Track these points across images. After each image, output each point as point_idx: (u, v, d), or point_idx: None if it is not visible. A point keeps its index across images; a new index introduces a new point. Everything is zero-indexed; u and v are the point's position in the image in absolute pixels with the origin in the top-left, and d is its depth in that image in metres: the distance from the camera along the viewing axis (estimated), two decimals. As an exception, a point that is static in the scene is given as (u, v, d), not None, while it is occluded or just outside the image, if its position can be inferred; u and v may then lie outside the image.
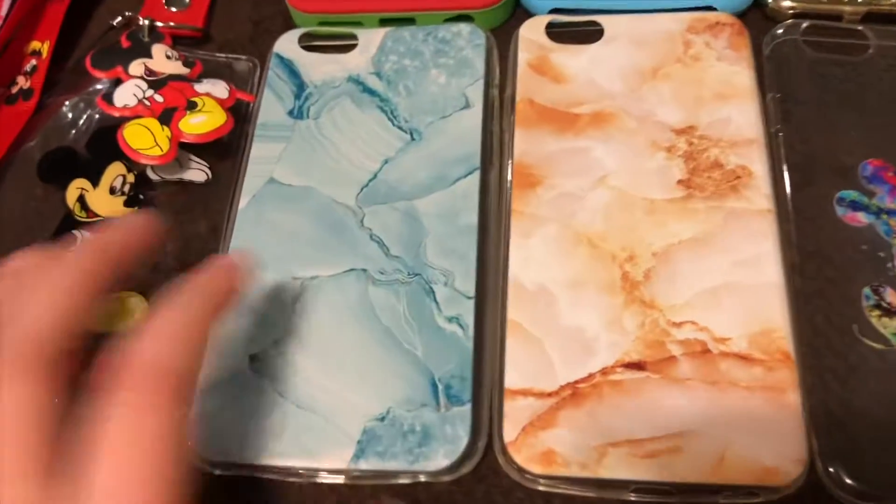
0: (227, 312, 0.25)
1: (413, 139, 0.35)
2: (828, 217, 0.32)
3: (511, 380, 0.29)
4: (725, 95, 0.35)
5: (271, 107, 0.36)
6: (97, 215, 0.34)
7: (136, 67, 0.36)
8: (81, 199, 0.34)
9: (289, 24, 0.40)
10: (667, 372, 0.29)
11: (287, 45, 0.38)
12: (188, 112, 0.35)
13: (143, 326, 0.22)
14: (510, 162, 0.34)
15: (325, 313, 0.31)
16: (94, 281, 0.23)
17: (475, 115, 0.35)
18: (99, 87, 0.37)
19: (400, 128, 0.35)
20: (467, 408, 0.29)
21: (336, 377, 0.30)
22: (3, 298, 0.22)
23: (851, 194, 0.33)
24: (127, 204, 0.35)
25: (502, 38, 0.38)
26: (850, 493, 0.27)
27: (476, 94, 0.35)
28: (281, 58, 0.38)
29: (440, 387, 0.29)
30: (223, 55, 0.38)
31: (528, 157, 0.34)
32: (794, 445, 0.27)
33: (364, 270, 0.32)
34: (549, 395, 0.29)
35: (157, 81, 0.36)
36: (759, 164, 0.33)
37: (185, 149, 0.35)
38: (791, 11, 0.38)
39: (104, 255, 0.24)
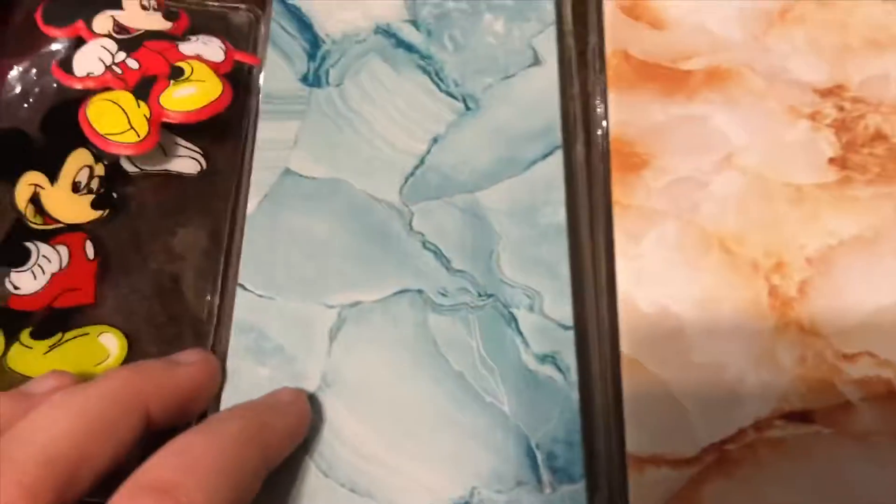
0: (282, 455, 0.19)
1: (468, 108, 0.26)
2: None
3: (634, 442, 0.21)
4: (881, 43, 0.26)
5: (278, 71, 0.27)
6: (57, 221, 0.25)
7: (103, 22, 0.27)
8: (35, 200, 0.25)
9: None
10: (843, 424, 0.21)
11: (294, -14, 0.29)
12: (172, 82, 0.26)
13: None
14: (603, 136, 0.26)
15: (375, 354, 0.23)
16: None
17: (549, 73, 0.26)
18: (54, 48, 0.28)
19: (450, 94, 0.26)
20: (580, 485, 0.21)
21: (396, 446, 0.22)
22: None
23: None
24: (95, 205, 0.26)
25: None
26: None
27: (548, 46, 0.27)
28: (286, 5, 0.28)
29: (540, 456, 0.21)
30: (216, 3, 0.29)
31: (627, 128, 0.26)
32: None
33: (420, 292, 0.24)
34: (688, 461, 0.21)
35: (130, 41, 0.27)
36: (935, 134, 0.25)
37: (171, 131, 0.26)
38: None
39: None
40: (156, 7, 0.27)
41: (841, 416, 0.22)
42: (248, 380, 0.22)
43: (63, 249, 0.25)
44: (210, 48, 0.27)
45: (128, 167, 0.26)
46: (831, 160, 0.25)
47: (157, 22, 0.27)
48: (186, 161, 0.26)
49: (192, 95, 0.25)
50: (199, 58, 0.26)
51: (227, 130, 0.27)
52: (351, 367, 0.23)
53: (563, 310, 0.23)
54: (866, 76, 0.26)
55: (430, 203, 0.25)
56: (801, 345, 0.22)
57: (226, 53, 0.27)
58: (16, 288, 0.24)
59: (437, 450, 0.22)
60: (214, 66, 0.26)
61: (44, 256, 0.24)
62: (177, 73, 0.26)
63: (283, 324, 0.23)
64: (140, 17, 0.26)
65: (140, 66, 0.26)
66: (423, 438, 0.22)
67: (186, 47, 0.27)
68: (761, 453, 0.21)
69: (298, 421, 0.21)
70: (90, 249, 0.25)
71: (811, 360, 0.22)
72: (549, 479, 0.21)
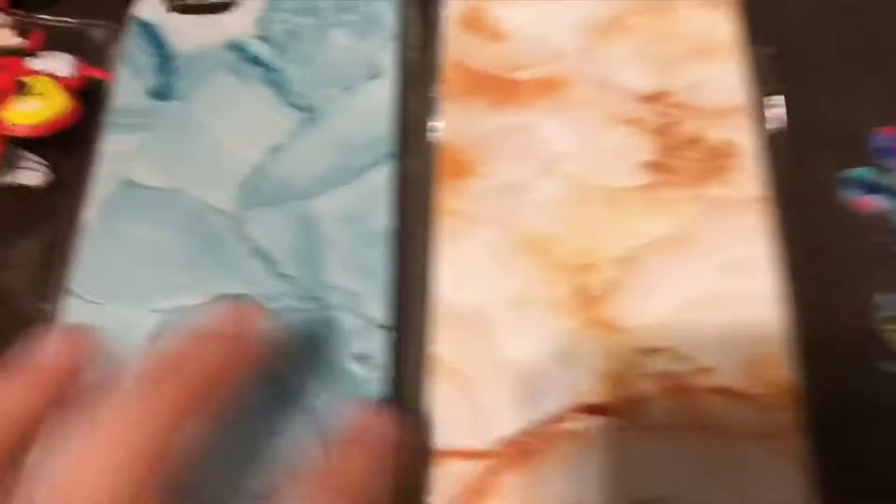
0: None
1: (309, 119, 0.27)
2: (834, 203, 0.25)
3: (438, 437, 0.22)
4: (704, 51, 0.27)
5: (129, 86, 0.28)
6: None
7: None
8: None
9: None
10: (637, 417, 0.22)
11: (150, 5, 0.30)
12: (17, 96, 0.26)
13: None
14: (434, 145, 0.27)
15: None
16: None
17: (386, 85, 0.27)
18: None
19: (293, 105, 0.27)
20: (381, 479, 0.21)
21: (210, 449, 0.22)
22: None
23: (863, 173, 0.26)
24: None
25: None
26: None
27: (387, 59, 0.28)
28: (142, 22, 0.29)
29: (343, 452, 0.22)
30: (73, 20, 0.30)
31: (459, 137, 0.27)
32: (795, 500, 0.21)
33: (244, 297, 0.24)
34: (486, 454, 0.22)
35: (-22, 57, 0.28)
36: (745, 138, 0.26)
37: (17, 144, 0.27)
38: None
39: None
40: (9, 23, 0.28)
41: (635, 409, 0.22)
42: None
43: None
44: (60, 64, 0.28)
45: (-26, 179, 0.27)
46: (647, 164, 0.26)
47: (6, 37, 0.28)
48: (31, 173, 0.27)
49: (37, 110, 0.26)
50: (47, 73, 0.27)
51: (76, 144, 0.28)
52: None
53: (381, 311, 0.24)
54: (688, 83, 0.27)
55: (265, 210, 0.26)
56: (604, 341, 0.23)
57: (77, 69, 0.28)
58: None
59: (251, 453, 0.22)
60: (64, 82, 0.27)
61: None
62: (22, 88, 0.27)
63: (110, 328, 0.24)
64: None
65: (-17, 81, 0.27)
66: (238, 443, 0.22)
67: (35, 63, 0.28)
68: (558, 445, 0.22)
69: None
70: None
71: (612, 356, 0.23)
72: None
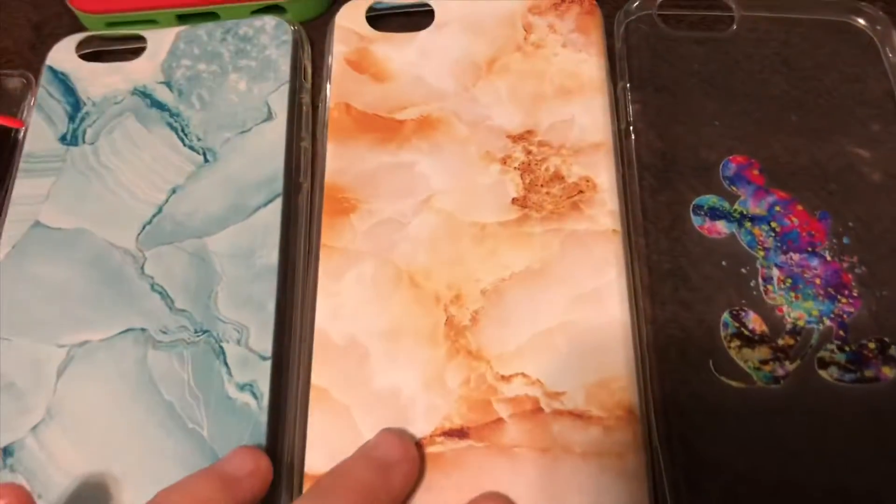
0: None
1: (206, 161, 0.29)
2: (684, 228, 0.28)
3: (312, 461, 0.25)
4: (570, 90, 0.29)
5: (40, 133, 0.30)
6: None
7: None
8: None
9: (77, 27, 0.34)
10: (492, 438, 0.25)
11: (62, 54, 0.32)
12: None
13: None
14: (319, 184, 0.29)
15: (96, 389, 0.26)
16: None
17: (278, 127, 0.29)
18: None
19: (192, 148, 0.30)
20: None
21: (106, 470, 0.25)
22: None
23: (710, 200, 0.28)
24: None
25: (322, 32, 0.32)
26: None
27: (280, 102, 0.30)
28: (54, 71, 0.32)
29: (224, 475, 0.24)
30: (-10, 69, 0.32)
31: (342, 176, 0.29)
32: (636, 520, 0.23)
33: (143, 330, 0.27)
34: (356, 475, 0.24)
35: None
36: (605, 175, 0.28)
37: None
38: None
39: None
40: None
41: (492, 431, 0.25)
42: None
43: None
44: (-27, 114, 0.30)
45: None
46: (514, 200, 0.28)
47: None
48: (-56, 217, 0.29)
49: (-50, 159, 0.28)
50: (-41, 123, 0.29)
51: (-10, 189, 0.30)
52: (74, 402, 0.26)
53: (264, 342, 0.26)
54: (554, 121, 0.29)
55: (163, 248, 0.28)
56: (467, 368, 0.26)
57: (-11, 118, 0.30)
58: None
59: (141, 472, 0.25)
60: (-24, 131, 0.29)
61: None
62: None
63: (16, 363, 0.26)
64: None
65: None
66: (129, 463, 0.25)
67: (-52, 114, 0.30)
68: (421, 468, 0.24)
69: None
70: None
71: (473, 382, 0.25)
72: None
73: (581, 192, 0.28)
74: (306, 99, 0.31)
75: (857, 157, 0.29)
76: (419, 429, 0.25)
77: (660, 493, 0.24)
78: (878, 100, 0.30)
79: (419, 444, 0.24)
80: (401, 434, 0.24)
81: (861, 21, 0.31)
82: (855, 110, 0.30)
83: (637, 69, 0.30)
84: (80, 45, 0.32)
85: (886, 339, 0.26)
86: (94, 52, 0.32)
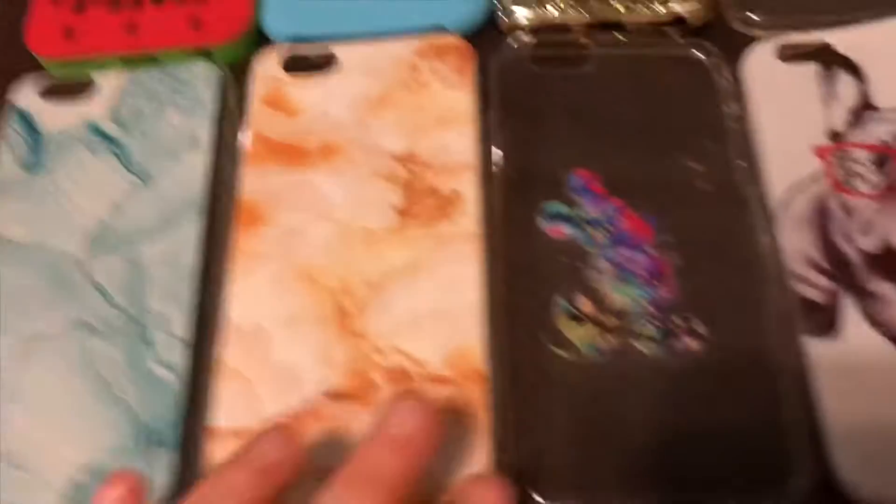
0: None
1: (143, 183, 0.35)
2: (534, 231, 0.33)
3: (216, 421, 0.30)
4: (446, 121, 0.36)
5: (5, 161, 0.36)
6: None
7: None
8: None
9: (38, 67, 0.40)
10: (369, 400, 0.30)
11: (23, 93, 0.38)
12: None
13: None
14: (238, 201, 0.35)
15: (45, 371, 0.32)
16: None
17: (202, 154, 0.35)
18: None
19: (133, 172, 0.36)
20: (170, 451, 0.29)
21: (54, 433, 0.30)
22: None
23: (557, 206, 0.34)
24: None
25: (247, 74, 0.39)
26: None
27: (204, 133, 0.36)
28: (17, 109, 0.38)
29: (144, 433, 0.30)
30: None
31: (256, 194, 0.35)
32: (476, 464, 0.29)
33: (86, 323, 0.32)
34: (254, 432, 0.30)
35: None
36: (470, 189, 0.34)
37: None
38: (525, 26, 0.39)
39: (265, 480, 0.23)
40: None
41: (368, 395, 0.31)
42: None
43: None
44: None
45: None
46: (397, 210, 0.34)
47: None
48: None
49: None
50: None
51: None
52: (26, 382, 0.32)
53: (183, 329, 0.32)
54: (432, 146, 0.35)
55: (106, 256, 0.34)
56: (353, 347, 0.31)
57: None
58: None
59: (76, 433, 0.30)
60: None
61: None
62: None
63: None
64: None
65: None
66: (67, 427, 0.30)
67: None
68: (307, 423, 0.30)
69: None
70: None
71: (356, 357, 0.31)
72: (148, 447, 0.30)
73: (451, 203, 0.34)
74: (229, 131, 0.37)
75: (691, 171, 0.35)
76: (309, 394, 0.31)
77: (510, 442, 0.30)
78: (712, 121, 0.36)
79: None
80: (412, 403, 0.24)
81: (698, 54, 0.38)
82: (691, 130, 0.36)
83: (507, 101, 0.37)
84: (40, 85, 0.38)
85: (694, 318, 0.31)
86: (51, 92, 0.38)
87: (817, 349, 0.30)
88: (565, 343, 0.31)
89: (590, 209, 0.34)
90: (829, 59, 0.36)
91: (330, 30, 0.39)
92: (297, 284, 0.33)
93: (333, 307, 0.32)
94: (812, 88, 0.36)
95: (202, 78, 0.38)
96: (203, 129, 0.36)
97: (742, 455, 0.29)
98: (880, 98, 0.35)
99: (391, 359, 0.31)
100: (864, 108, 0.35)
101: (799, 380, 0.30)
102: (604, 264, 0.33)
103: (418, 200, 0.34)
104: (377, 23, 0.38)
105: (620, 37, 0.38)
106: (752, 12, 0.39)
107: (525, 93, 0.37)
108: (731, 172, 0.35)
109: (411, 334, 0.31)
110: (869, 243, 0.32)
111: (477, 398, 0.30)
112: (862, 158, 0.34)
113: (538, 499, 0.28)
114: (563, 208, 0.34)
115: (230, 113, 0.37)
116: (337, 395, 0.30)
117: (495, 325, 0.32)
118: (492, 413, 0.30)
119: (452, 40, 0.37)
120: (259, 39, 0.40)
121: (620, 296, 0.32)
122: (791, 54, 0.37)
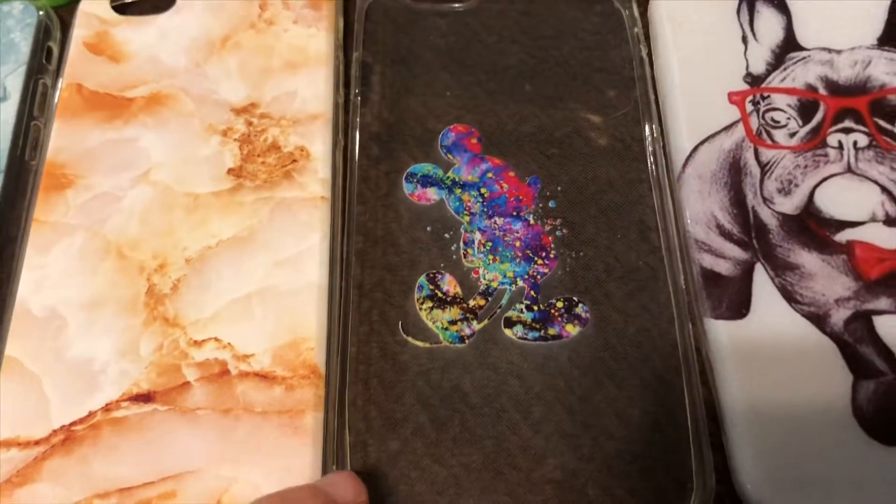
0: None
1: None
2: (398, 196, 0.28)
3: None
4: (296, 64, 0.30)
5: None
6: None
7: None
8: None
9: None
10: (177, 402, 0.25)
11: None
12: None
13: None
14: (38, 161, 0.29)
15: None
16: None
17: (10, 107, 0.30)
18: None
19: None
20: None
21: None
22: None
23: (424, 168, 0.28)
24: None
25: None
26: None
27: (16, 83, 0.30)
28: None
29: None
30: None
31: (63, 154, 0.29)
32: (302, 474, 0.23)
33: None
34: (38, 442, 0.24)
35: None
36: (320, 144, 0.28)
37: None
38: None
39: None
40: None
41: (177, 396, 0.25)
42: None
43: None
44: None
45: None
46: (230, 170, 0.28)
47: None
48: None
49: None
50: None
51: None
52: None
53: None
54: (277, 94, 0.29)
55: None
56: (162, 335, 0.26)
57: None
58: None
59: None
60: None
61: None
62: None
63: None
64: None
65: None
66: None
67: None
68: (103, 431, 0.24)
69: None
70: None
71: (166, 349, 0.26)
72: None
73: (295, 161, 0.28)
74: (47, 81, 0.31)
75: (587, 123, 0.30)
76: (107, 395, 0.25)
77: (341, 448, 0.24)
78: (617, 67, 0.31)
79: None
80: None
81: (603, -7, 0.32)
82: (592, 77, 0.31)
83: (376, 42, 0.31)
84: None
85: (575, 299, 0.26)
86: None
87: (722, 332, 0.25)
88: (423, 330, 0.26)
89: (464, 171, 0.28)
90: (750, -8, 0.31)
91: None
92: (102, 261, 0.27)
93: (144, 288, 0.26)
94: (731, 27, 0.30)
95: (17, 20, 0.32)
96: (13, 79, 0.30)
97: (625, 461, 0.24)
98: (806, 36, 0.30)
99: (208, 351, 0.25)
100: (789, 48, 0.30)
101: (700, 370, 0.25)
102: (476, 236, 0.27)
103: (255, 159, 0.28)
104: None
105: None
106: (665, -60, 0.33)
107: (396, 33, 0.31)
108: (633, 125, 0.29)
109: (235, 321, 0.26)
110: (788, 204, 0.27)
111: (308, 398, 0.24)
112: (783, 105, 0.28)
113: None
114: (431, 170, 0.28)
115: (51, 61, 0.31)
116: (140, 397, 0.25)
117: (340, 311, 0.26)
118: (326, 416, 0.24)
119: (309, -29, 0.31)
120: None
121: (492, 273, 0.26)
122: (708, -13, 0.31)
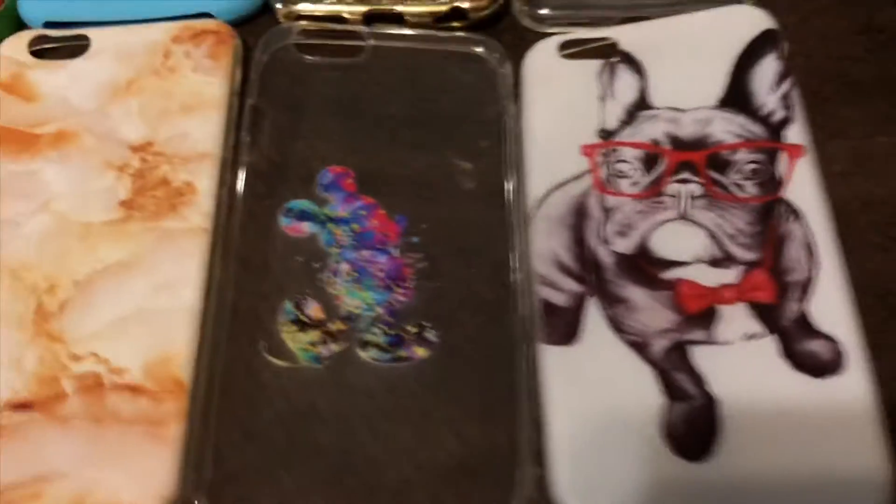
0: None
1: None
2: (274, 229, 0.31)
3: None
4: (191, 108, 0.33)
5: None
6: None
7: None
8: None
9: None
10: (53, 411, 0.27)
11: None
12: None
13: None
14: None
15: None
16: None
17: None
18: None
19: None
20: None
21: None
22: None
23: (302, 204, 0.31)
24: None
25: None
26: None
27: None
28: None
29: None
30: None
31: (-31, 184, 0.31)
32: (160, 480, 0.25)
33: None
34: (-81, 447, 0.26)
35: None
36: (206, 180, 0.31)
37: None
38: (300, 13, 0.36)
39: None
40: None
41: (54, 405, 0.27)
42: None
43: None
44: None
45: None
46: (122, 202, 0.31)
47: None
48: None
49: None
50: None
51: None
52: None
53: None
54: (172, 134, 0.32)
55: None
56: (45, 350, 0.28)
57: None
58: None
59: None
60: None
61: None
62: None
63: None
64: None
65: None
66: None
67: None
68: (-17, 437, 0.27)
69: None
70: None
71: (48, 362, 0.28)
72: None
73: (182, 195, 0.31)
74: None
75: (458, 169, 0.33)
76: (-12, 404, 0.27)
77: (206, 458, 0.26)
78: (491, 120, 0.34)
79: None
80: None
81: (480, 50, 0.35)
82: (467, 128, 0.34)
83: (271, 91, 0.34)
84: None
85: (426, 324, 0.29)
86: None
87: (552, 357, 0.28)
88: (285, 351, 0.28)
89: (339, 207, 0.31)
90: (612, 56, 0.34)
91: (89, 16, 0.36)
92: (-1, 282, 0.29)
93: (33, 307, 0.29)
94: (591, 86, 0.34)
95: (-60, 59, 0.34)
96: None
97: (456, 472, 0.26)
98: (657, 97, 0.33)
99: (86, 365, 0.28)
100: (640, 107, 0.33)
101: (533, 392, 0.28)
102: (343, 266, 0.30)
103: (146, 192, 0.31)
104: (141, 11, 0.36)
105: (399, 30, 0.35)
106: (539, 8, 0.36)
107: (290, 82, 0.34)
108: (500, 172, 0.32)
109: (113, 338, 0.28)
110: (624, 245, 0.30)
111: (172, 411, 0.27)
112: (629, 157, 0.32)
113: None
114: (308, 206, 0.31)
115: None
116: (20, 405, 0.27)
117: (213, 331, 0.29)
118: (189, 428, 0.27)
119: (211, 25, 0.35)
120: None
121: (354, 300, 0.29)
122: (573, 51, 0.35)
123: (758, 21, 0.34)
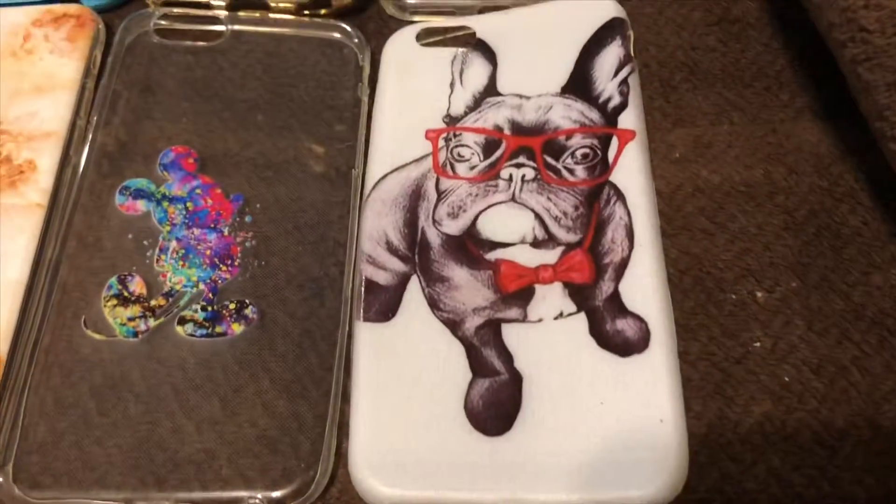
0: None
1: None
2: (109, 207, 0.31)
3: None
4: (43, 88, 0.33)
5: None
6: None
7: None
8: None
9: None
10: None
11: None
12: None
13: None
14: None
15: None
16: None
17: None
18: None
19: None
20: None
21: None
22: None
23: (139, 182, 0.32)
24: None
25: None
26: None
27: None
28: None
29: None
30: None
31: None
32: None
33: None
34: None
35: None
36: (48, 159, 0.32)
37: None
38: (167, 1, 0.36)
39: None
40: None
41: None
42: None
43: None
44: None
45: None
46: (-38, 180, 0.31)
47: None
48: None
49: None
50: None
51: None
52: None
53: None
54: (20, 113, 0.33)
55: None
56: None
57: None
58: None
59: None
60: None
61: None
62: None
63: None
64: None
65: None
66: None
67: None
68: None
69: None
70: None
71: None
72: None
73: (22, 172, 0.31)
74: None
75: (309, 152, 0.33)
76: None
77: (15, 428, 0.27)
78: (349, 105, 0.34)
79: None
80: None
81: (342, 38, 0.36)
82: (322, 113, 0.34)
83: (128, 73, 0.34)
84: None
85: (247, 301, 0.29)
86: None
87: (366, 333, 0.28)
88: (105, 326, 0.29)
89: (175, 186, 0.31)
90: (467, 44, 0.35)
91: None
92: None
93: None
94: (444, 73, 0.34)
95: None
96: None
97: (261, 445, 0.26)
98: (506, 83, 0.34)
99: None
100: (488, 94, 0.34)
101: (348, 369, 0.28)
102: (172, 244, 0.30)
103: (-11, 170, 0.31)
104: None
105: (261, 14, 0.36)
106: (403, -4, 0.37)
107: (148, 66, 0.35)
108: (351, 156, 0.33)
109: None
110: (454, 226, 0.30)
111: (-14, 382, 0.27)
112: (470, 143, 0.32)
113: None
114: (144, 184, 0.32)
115: None
116: None
117: (40, 306, 0.29)
118: (7, 399, 0.27)
119: (73, 9, 0.35)
120: None
121: (178, 276, 0.29)
122: (432, 40, 0.35)
123: (607, 10, 0.34)
